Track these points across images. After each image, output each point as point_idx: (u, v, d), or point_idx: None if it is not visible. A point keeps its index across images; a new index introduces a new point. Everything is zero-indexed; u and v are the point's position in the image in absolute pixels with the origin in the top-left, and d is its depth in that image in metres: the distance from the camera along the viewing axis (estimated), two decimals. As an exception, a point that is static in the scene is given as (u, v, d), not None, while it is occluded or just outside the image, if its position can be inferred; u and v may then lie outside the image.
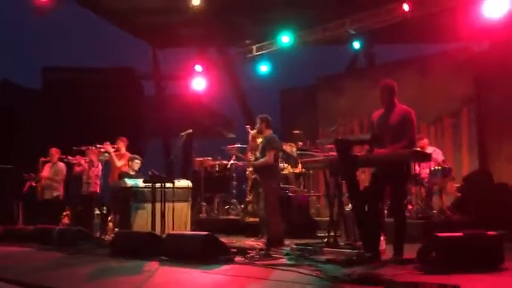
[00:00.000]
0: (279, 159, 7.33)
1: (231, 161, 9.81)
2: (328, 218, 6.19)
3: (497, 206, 7.29)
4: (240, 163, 9.57)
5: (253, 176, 7.19)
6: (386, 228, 5.50)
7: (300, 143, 9.06)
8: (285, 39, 10.78)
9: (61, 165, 9.26)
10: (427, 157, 5.75)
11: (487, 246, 4.57)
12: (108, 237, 7.33)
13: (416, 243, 4.98)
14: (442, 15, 9.13)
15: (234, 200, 9.81)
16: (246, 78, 13.30)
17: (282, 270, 4.79)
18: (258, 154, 6.89)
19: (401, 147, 5.15)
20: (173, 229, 7.14)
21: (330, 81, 12.29)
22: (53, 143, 9.45)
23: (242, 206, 9.23)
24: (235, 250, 5.84)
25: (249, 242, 6.93)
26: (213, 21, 10.90)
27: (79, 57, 17.29)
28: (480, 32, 9.13)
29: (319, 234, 7.57)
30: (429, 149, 8.07)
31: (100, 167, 8.76)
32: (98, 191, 8.65)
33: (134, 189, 7.55)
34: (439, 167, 7.83)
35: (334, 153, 5.45)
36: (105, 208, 8.39)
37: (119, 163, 8.47)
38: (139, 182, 7.50)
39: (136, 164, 8.45)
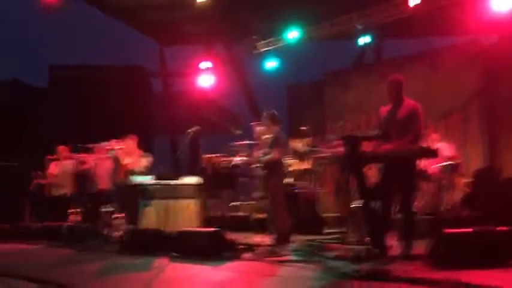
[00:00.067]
0: (286, 156, 7.30)
1: (239, 158, 9.80)
2: (336, 214, 6.19)
3: (507, 201, 7.23)
4: (248, 160, 9.55)
5: (261, 173, 7.17)
6: (395, 224, 5.47)
7: (308, 139, 9.03)
8: (292, 35, 10.74)
9: (69, 162, 9.30)
10: (434, 153, 5.71)
11: (496, 241, 4.54)
12: (116, 234, 7.35)
13: (425, 239, 4.95)
14: (450, 9, 9.07)
15: (242, 197, 9.81)
16: (253, 74, 13.28)
17: (290, 266, 4.79)
18: (264, 151, 6.86)
19: (407, 142, 5.12)
20: (181, 226, 7.14)
21: (337, 77, 12.24)
22: (60, 141, 9.49)
23: (249, 202, 9.22)
24: (243, 246, 5.84)
25: (257, 238, 6.93)
26: (219, 17, 10.88)
27: (86, 55, 17.36)
28: (489, 25, 9.06)
29: (327, 231, 7.55)
30: (439, 144, 8.01)
31: (107, 164, 8.77)
32: (106, 188, 8.68)
33: (142, 187, 7.58)
34: (448, 163, 7.78)
35: (341, 149, 5.42)
36: (113, 205, 8.41)
37: (126, 160, 8.49)
38: (147, 179, 7.52)
39: (146, 161, 8.46)
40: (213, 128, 14.21)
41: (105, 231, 7.68)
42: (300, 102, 12.59)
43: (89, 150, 8.80)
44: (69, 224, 8.14)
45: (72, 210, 8.81)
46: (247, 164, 9.67)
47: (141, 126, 12.13)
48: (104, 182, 8.68)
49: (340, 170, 5.76)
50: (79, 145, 8.85)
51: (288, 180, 8.38)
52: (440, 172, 7.78)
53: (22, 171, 9.53)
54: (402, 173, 5.13)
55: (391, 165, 5.17)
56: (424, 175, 7.79)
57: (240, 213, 9.44)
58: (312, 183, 9.01)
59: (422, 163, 7.77)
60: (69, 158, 9.27)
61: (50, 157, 9.25)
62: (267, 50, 11.44)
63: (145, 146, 9.70)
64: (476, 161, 9.61)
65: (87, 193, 8.75)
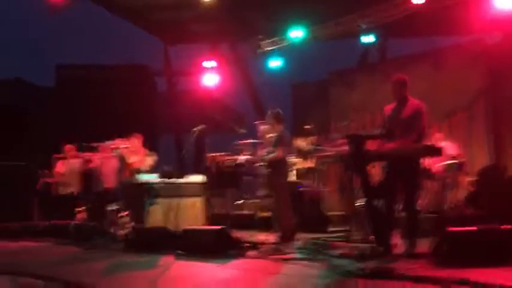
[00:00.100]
0: (290, 154, 7.33)
1: (243, 156, 9.84)
2: (340, 213, 6.22)
3: (511, 200, 7.23)
4: (252, 158, 9.58)
5: (265, 171, 7.21)
6: (399, 222, 5.50)
7: (312, 138, 9.05)
8: (297, 34, 10.76)
9: (75, 161, 9.36)
10: (438, 152, 5.73)
11: (500, 240, 4.56)
12: (122, 233, 7.41)
13: (429, 237, 4.98)
14: (454, 8, 9.06)
15: (246, 195, 9.84)
16: (258, 73, 13.30)
17: (295, 264, 4.82)
18: (268, 149, 6.88)
19: (411, 141, 5.15)
20: (186, 224, 7.19)
21: (341, 76, 12.24)
22: (67, 140, 9.55)
23: (254, 200, 9.26)
24: (247, 244, 5.88)
25: (262, 236, 6.97)
26: (224, 16, 10.90)
27: (92, 55, 17.44)
28: (493, 24, 9.05)
29: (331, 229, 7.58)
30: (443, 143, 8.02)
31: (113, 163, 8.83)
32: (112, 186, 8.73)
33: (147, 185, 7.63)
34: (453, 161, 7.79)
35: (345, 148, 5.45)
36: (119, 204, 8.46)
37: (131, 159, 8.54)
38: (153, 178, 7.56)
39: (151, 160, 8.51)
40: (218, 127, 14.23)
41: (112, 230, 7.73)
42: (305, 101, 12.60)
43: (94, 149, 8.86)
44: (76, 222, 8.20)
45: (79, 209, 8.88)
46: (251, 163, 9.71)
47: (146, 125, 12.19)
48: (110, 181, 8.73)
49: (344, 169, 5.78)
50: (85, 144, 8.91)
51: (293, 178, 8.41)
52: (445, 171, 7.79)
53: (29, 170, 9.59)
54: (406, 171, 5.15)
55: (395, 163, 5.20)
56: (428, 173, 7.81)
57: (245, 212, 9.47)
58: (316, 182, 9.04)
59: (427, 162, 7.79)
60: (76, 156, 9.33)
61: (56, 156, 9.32)
62: (271, 49, 11.46)
63: (150, 144, 9.74)
64: (481, 160, 9.60)
65: (94, 192, 8.81)
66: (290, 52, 11.63)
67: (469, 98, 9.89)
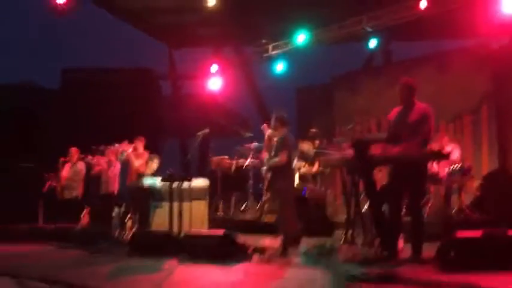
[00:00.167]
0: (295, 158, 7.30)
1: (248, 160, 9.84)
2: (345, 217, 6.18)
3: (518, 205, 7.20)
4: (257, 162, 9.58)
5: (269, 175, 7.21)
6: (404, 227, 5.47)
7: (317, 141, 9.04)
8: (301, 38, 10.76)
9: (80, 165, 9.39)
10: (445, 156, 5.71)
11: (506, 245, 4.52)
12: (127, 236, 7.41)
13: (435, 242, 4.95)
14: (460, 11, 9.02)
15: (251, 199, 9.84)
16: (262, 78, 13.29)
17: (299, 269, 4.81)
18: (272, 153, 6.86)
19: (416, 144, 5.12)
20: (191, 228, 7.19)
21: (346, 80, 12.23)
22: (72, 143, 9.58)
23: (259, 205, 9.25)
24: (252, 249, 5.86)
25: (266, 240, 6.95)
26: (229, 20, 10.91)
27: (97, 58, 17.47)
28: (499, 28, 9.01)
29: (336, 233, 7.55)
30: (449, 147, 8.00)
31: (118, 166, 8.85)
32: (117, 190, 8.74)
33: (152, 189, 7.63)
34: (458, 166, 7.76)
35: (350, 152, 5.43)
36: (123, 207, 8.48)
37: (137, 163, 8.55)
38: (157, 182, 7.57)
39: (155, 164, 8.53)
40: (222, 131, 14.24)
41: (116, 234, 7.73)
42: (309, 105, 12.60)
43: (100, 152, 8.87)
44: (81, 226, 8.22)
45: (84, 213, 8.89)
46: (256, 167, 9.71)
47: (150, 128, 12.20)
48: (115, 184, 8.75)
49: (347, 173, 5.76)
50: (90, 147, 8.93)
51: (297, 182, 8.40)
52: (450, 175, 7.76)
53: (36, 173, 9.63)
54: (412, 176, 5.13)
55: (400, 168, 5.17)
56: (435, 178, 7.78)
57: (250, 216, 9.45)
58: (321, 186, 9.02)
59: (434, 166, 7.77)
60: (81, 160, 9.35)
61: (63, 159, 9.35)
62: (276, 53, 11.46)
63: (155, 148, 9.76)
64: (486, 164, 9.56)
65: (99, 195, 8.83)
66: (294, 56, 11.63)
67: (475, 102, 9.86)
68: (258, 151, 9.31)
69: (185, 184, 7.24)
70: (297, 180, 8.38)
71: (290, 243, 6.24)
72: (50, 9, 9.34)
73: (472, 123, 9.96)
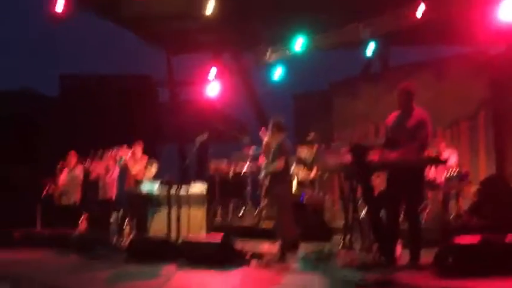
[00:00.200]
0: (292, 164, 7.30)
1: (246, 166, 9.84)
2: (343, 222, 6.19)
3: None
4: (255, 168, 9.59)
5: (267, 181, 7.22)
6: (402, 232, 5.48)
7: (315, 147, 9.05)
8: (299, 44, 10.79)
9: (78, 170, 9.38)
10: (442, 162, 5.73)
11: (504, 251, 4.53)
12: (125, 242, 7.40)
13: (433, 248, 4.96)
14: (457, 18, 9.08)
15: (249, 205, 9.83)
16: (260, 83, 13.33)
17: (297, 274, 4.81)
18: (269, 159, 6.85)
19: (413, 150, 5.13)
20: (189, 233, 7.18)
21: (344, 86, 12.27)
22: (70, 149, 9.58)
23: (257, 210, 9.25)
24: (250, 254, 5.86)
25: (265, 246, 6.95)
26: (227, 27, 10.93)
27: (95, 65, 17.52)
28: (496, 35, 9.06)
29: (334, 239, 7.55)
30: (446, 153, 8.03)
31: (116, 172, 8.84)
32: (115, 196, 8.73)
33: (150, 194, 7.63)
34: (456, 171, 7.78)
35: (348, 157, 5.44)
36: (121, 213, 8.47)
37: (135, 168, 8.55)
38: (155, 187, 7.57)
39: (154, 169, 8.53)
40: (221, 136, 14.24)
41: (114, 239, 7.72)
42: (307, 111, 12.63)
43: (98, 158, 8.87)
44: (79, 231, 8.20)
45: (82, 218, 8.88)
46: (254, 172, 9.71)
47: (149, 134, 12.21)
48: (113, 190, 8.74)
49: (345, 178, 5.77)
50: (88, 153, 8.93)
51: (295, 188, 8.40)
52: (448, 180, 7.77)
53: (35, 179, 9.63)
54: (409, 181, 5.14)
55: (398, 173, 5.18)
56: (433, 184, 7.79)
57: (248, 221, 9.45)
58: (319, 191, 9.03)
59: (432, 172, 7.79)
60: (79, 165, 9.35)
61: (61, 165, 9.34)
62: (273, 60, 11.50)
63: (153, 153, 9.75)
64: (484, 170, 9.59)
65: (97, 201, 8.81)
66: (292, 62, 11.66)
67: (472, 108, 9.90)
68: (256, 156, 9.31)
69: (183, 190, 7.25)
70: (295, 186, 8.39)
71: (288, 248, 6.24)
72: (49, 17, 9.35)
73: (470, 129, 10.00)
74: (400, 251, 5.35)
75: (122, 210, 8.28)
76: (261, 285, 4.61)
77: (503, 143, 9.64)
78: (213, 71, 12.18)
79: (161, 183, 7.38)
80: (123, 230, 8.23)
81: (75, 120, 12.96)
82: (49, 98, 14.27)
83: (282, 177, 6.65)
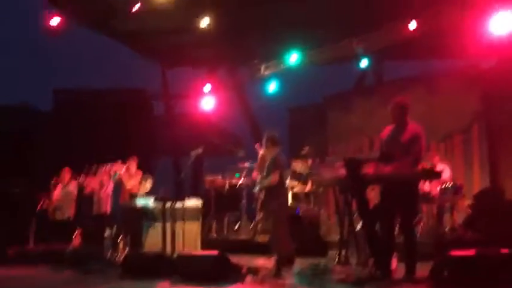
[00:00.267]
0: (287, 178, 7.29)
1: (241, 180, 9.84)
2: (338, 237, 6.19)
3: (509, 223, 7.23)
4: (250, 182, 9.58)
5: (262, 195, 7.22)
6: (397, 246, 5.48)
7: (310, 161, 9.06)
8: (293, 58, 10.87)
9: (72, 185, 9.33)
10: (437, 175, 5.75)
11: (499, 264, 4.54)
12: (119, 258, 7.35)
13: (429, 261, 4.96)
14: (449, 32, 9.18)
15: (244, 219, 9.81)
16: (255, 98, 13.38)
17: (293, 289, 4.78)
18: (264, 173, 6.84)
19: (407, 164, 5.15)
20: (184, 248, 7.15)
21: (338, 99, 12.34)
22: (65, 163, 9.54)
23: (252, 225, 9.22)
24: (246, 269, 5.83)
25: (260, 261, 6.92)
26: (222, 42, 11.00)
27: (89, 78, 17.55)
28: (488, 49, 9.16)
29: (330, 253, 7.53)
30: (440, 166, 8.06)
31: (111, 187, 8.81)
32: (109, 211, 8.69)
33: (145, 209, 7.60)
34: (450, 185, 7.81)
35: (342, 171, 5.45)
36: (115, 228, 8.42)
37: (130, 183, 8.53)
38: (150, 202, 7.54)
39: (149, 184, 8.51)
40: (216, 150, 14.24)
41: (109, 255, 7.67)
42: (301, 125, 12.68)
43: (92, 173, 8.84)
44: (73, 247, 8.14)
45: (76, 234, 8.83)
46: (249, 186, 9.71)
47: (143, 148, 12.20)
48: (107, 205, 8.70)
49: (340, 192, 5.78)
50: (83, 167, 8.90)
51: (290, 202, 8.40)
52: (442, 194, 7.80)
53: (29, 194, 9.57)
54: (403, 195, 5.15)
55: (392, 187, 5.20)
56: (427, 197, 7.81)
57: (243, 236, 9.42)
58: (314, 205, 9.03)
59: (426, 185, 7.82)
60: (73, 180, 9.30)
61: (55, 180, 9.30)
62: (268, 74, 11.56)
63: (148, 167, 9.74)
64: (478, 183, 9.63)
65: (91, 216, 8.77)
66: (286, 76, 11.73)
67: (465, 122, 9.98)
68: (251, 171, 9.31)
69: (178, 204, 7.23)
70: (290, 200, 8.38)
71: (283, 263, 6.22)
72: (44, 30, 9.37)
73: (463, 142, 10.06)
74: (396, 265, 5.35)
75: (116, 225, 8.23)
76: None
77: (497, 156, 9.69)
78: (208, 86, 12.22)
79: (155, 199, 7.36)
80: (118, 245, 8.17)
81: (70, 134, 12.94)
82: (43, 112, 14.27)
83: (276, 191, 6.65)
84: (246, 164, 9.68)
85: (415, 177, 5.26)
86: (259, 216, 8.60)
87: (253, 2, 9.43)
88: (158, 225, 7.25)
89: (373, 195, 6.48)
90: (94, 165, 8.78)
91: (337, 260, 5.85)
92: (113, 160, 8.71)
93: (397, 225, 6.08)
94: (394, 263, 5.30)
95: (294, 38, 10.53)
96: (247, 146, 13.15)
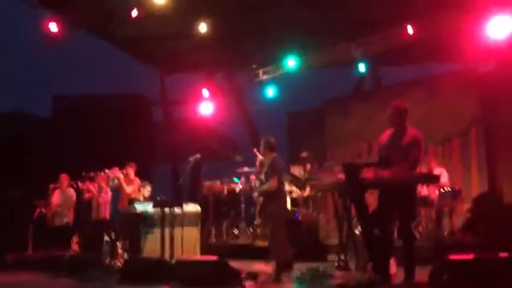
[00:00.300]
0: (286, 182, 7.28)
1: (239, 185, 9.84)
2: (337, 241, 6.18)
3: (508, 227, 7.23)
4: (248, 187, 9.59)
5: (261, 200, 7.21)
6: (396, 250, 5.47)
7: (308, 165, 9.07)
8: (291, 62, 10.89)
9: (70, 191, 9.32)
10: (435, 179, 5.74)
11: (498, 268, 4.53)
12: (118, 263, 7.33)
13: (427, 266, 4.95)
14: (447, 36, 9.21)
15: (243, 224, 9.80)
16: (253, 102, 13.39)
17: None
18: (261, 178, 6.82)
19: (405, 168, 5.15)
20: (183, 254, 7.13)
21: (337, 104, 12.35)
22: (63, 170, 9.53)
23: (251, 229, 9.22)
24: (245, 274, 5.82)
25: (259, 266, 6.91)
26: (220, 47, 11.03)
27: (88, 85, 17.55)
28: (486, 52, 9.19)
29: (329, 258, 7.53)
30: (437, 170, 8.06)
31: (109, 192, 8.80)
32: (108, 216, 8.68)
33: (144, 215, 7.59)
34: (449, 189, 7.81)
35: (341, 176, 5.45)
36: (114, 234, 8.41)
37: (128, 189, 8.52)
38: (149, 207, 7.53)
39: (148, 191, 8.51)
40: (214, 155, 14.24)
41: (107, 260, 7.65)
42: (300, 129, 12.68)
43: (91, 179, 8.83)
44: (71, 253, 8.12)
45: (74, 239, 8.81)
46: (248, 191, 9.71)
47: (142, 154, 12.19)
48: (106, 211, 8.69)
49: (339, 197, 5.78)
50: (81, 173, 8.89)
51: (289, 206, 8.39)
52: (441, 198, 7.80)
53: (27, 200, 9.56)
54: (402, 199, 5.15)
55: (391, 191, 5.19)
56: (426, 201, 7.81)
57: (242, 241, 9.41)
58: (313, 210, 9.03)
59: (425, 189, 7.82)
60: (71, 186, 9.29)
61: (53, 186, 9.29)
62: (266, 78, 11.59)
63: (146, 173, 9.73)
64: (476, 187, 9.63)
65: (90, 221, 8.75)
66: (285, 81, 11.75)
67: (464, 125, 9.99)
68: (249, 175, 9.32)
69: (177, 210, 7.22)
70: (289, 205, 8.38)
71: (283, 268, 6.21)
72: (44, 37, 9.39)
73: (461, 146, 10.07)
74: (395, 269, 5.34)
75: (115, 230, 8.22)
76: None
77: (495, 160, 9.70)
78: (206, 91, 12.24)
79: (154, 205, 7.35)
80: (116, 251, 8.16)
81: (68, 141, 12.93)
82: (42, 118, 14.25)
83: (275, 196, 6.63)
84: (245, 169, 9.68)
85: (413, 180, 5.26)
86: (258, 220, 8.61)
87: (250, 8, 9.47)
88: (157, 231, 7.24)
89: (372, 199, 6.48)
90: (92, 171, 8.76)
91: (336, 264, 5.83)
92: (111, 166, 8.71)
93: (396, 229, 6.08)
94: (393, 267, 5.29)
95: (292, 43, 10.57)
96: (246, 151, 13.17)
